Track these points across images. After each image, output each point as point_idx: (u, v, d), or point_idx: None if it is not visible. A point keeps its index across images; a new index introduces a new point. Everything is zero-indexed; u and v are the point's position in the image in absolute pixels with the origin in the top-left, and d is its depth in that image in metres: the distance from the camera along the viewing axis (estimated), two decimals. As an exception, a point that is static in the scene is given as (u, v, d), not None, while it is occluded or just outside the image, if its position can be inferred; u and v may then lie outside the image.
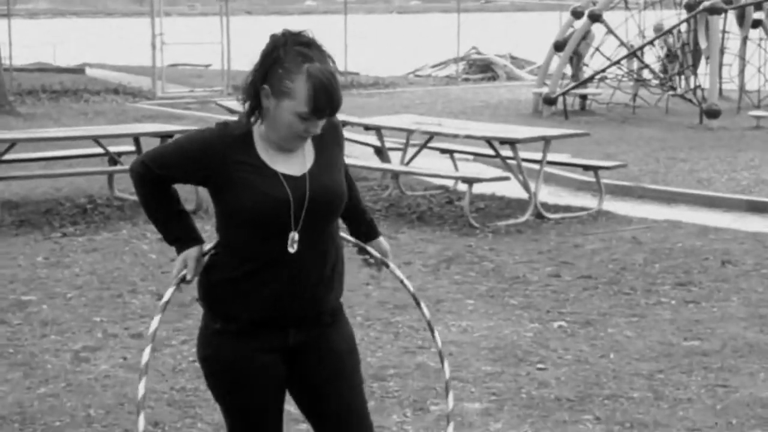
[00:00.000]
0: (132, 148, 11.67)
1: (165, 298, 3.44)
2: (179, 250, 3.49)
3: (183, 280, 3.46)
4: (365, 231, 3.74)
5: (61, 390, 5.95)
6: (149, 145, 11.62)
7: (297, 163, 3.40)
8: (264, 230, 3.34)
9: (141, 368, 3.35)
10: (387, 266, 3.72)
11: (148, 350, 3.35)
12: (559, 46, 20.56)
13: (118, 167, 11.53)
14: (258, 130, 3.40)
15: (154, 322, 3.41)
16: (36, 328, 7.04)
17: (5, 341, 6.78)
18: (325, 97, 3.28)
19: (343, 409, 3.53)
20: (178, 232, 3.51)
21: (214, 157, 3.35)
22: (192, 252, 3.47)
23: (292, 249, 3.34)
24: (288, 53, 3.28)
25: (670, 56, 20.52)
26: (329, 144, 3.49)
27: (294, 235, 3.34)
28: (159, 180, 3.47)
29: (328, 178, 3.43)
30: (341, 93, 3.34)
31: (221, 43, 24.84)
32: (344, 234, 3.72)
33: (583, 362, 6.43)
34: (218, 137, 3.39)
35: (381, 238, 3.77)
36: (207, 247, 3.52)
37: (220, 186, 3.37)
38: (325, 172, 3.43)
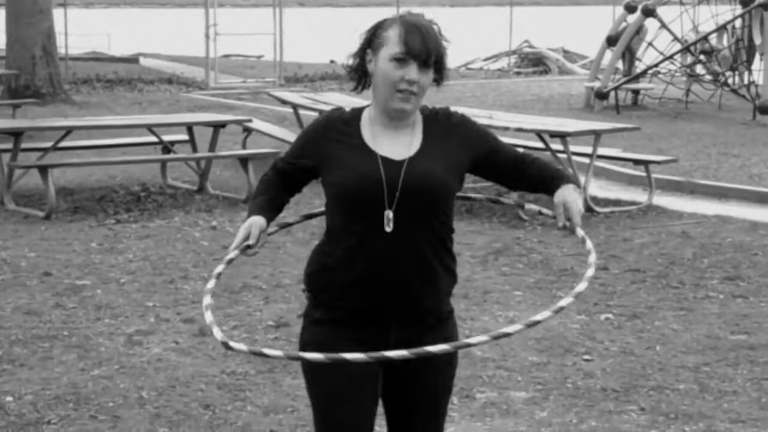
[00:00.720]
0: (185, 137, 11.82)
1: (228, 258, 3.41)
2: (247, 217, 3.45)
3: (247, 247, 3.40)
4: (550, 183, 3.47)
5: (115, 372, 6.08)
6: (202, 134, 11.78)
7: (401, 148, 3.37)
8: (357, 210, 3.32)
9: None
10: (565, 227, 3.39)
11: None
12: (611, 41, 20.44)
13: (171, 155, 11.67)
14: (368, 113, 3.42)
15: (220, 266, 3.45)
16: (90, 312, 7.18)
17: (60, 324, 6.92)
18: (418, 36, 3.27)
19: (418, 412, 3.56)
20: (259, 206, 3.48)
21: (320, 136, 3.40)
22: (258, 219, 3.42)
23: (388, 228, 3.29)
24: (390, 20, 3.35)
25: (710, 54, 20.31)
26: (442, 135, 3.42)
27: (389, 213, 3.30)
28: (284, 171, 3.52)
29: (430, 167, 3.34)
30: (439, 42, 3.33)
31: (274, 35, 24.95)
32: (502, 197, 3.65)
33: (629, 354, 6.46)
34: (326, 119, 3.44)
35: (562, 190, 3.40)
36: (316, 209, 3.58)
37: (324, 164, 3.39)
38: (428, 161, 3.35)
